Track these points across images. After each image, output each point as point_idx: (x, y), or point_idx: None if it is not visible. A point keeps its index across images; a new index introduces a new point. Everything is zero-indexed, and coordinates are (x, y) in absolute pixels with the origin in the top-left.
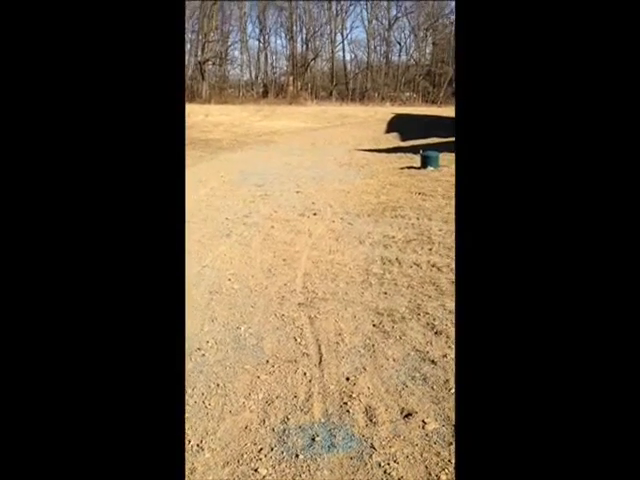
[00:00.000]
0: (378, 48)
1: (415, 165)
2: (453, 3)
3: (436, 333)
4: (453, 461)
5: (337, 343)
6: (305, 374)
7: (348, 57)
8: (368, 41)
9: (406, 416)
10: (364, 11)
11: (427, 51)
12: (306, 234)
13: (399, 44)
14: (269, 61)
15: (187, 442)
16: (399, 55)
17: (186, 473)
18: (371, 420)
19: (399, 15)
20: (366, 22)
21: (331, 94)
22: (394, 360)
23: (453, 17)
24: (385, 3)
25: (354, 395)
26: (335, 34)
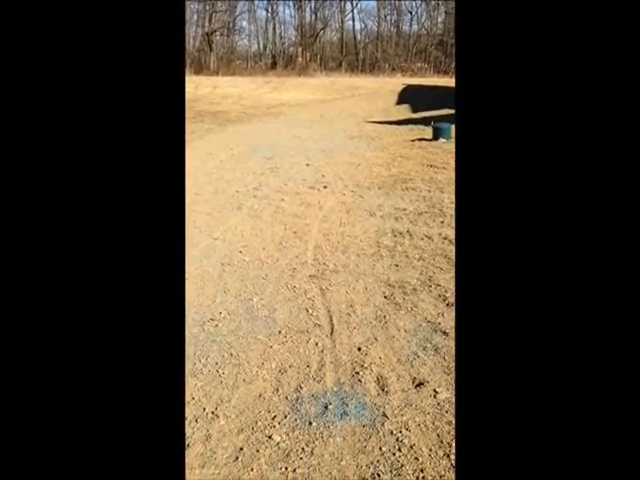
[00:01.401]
0: (389, 17)
1: (427, 137)
2: None
3: (448, 305)
4: None
5: (348, 314)
6: (317, 344)
7: (358, 27)
8: (378, 10)
9: (418, 385)
10: None
11: (439, 20)
12: (316, 207)
13: (410, 13)
14: (277, 31)
15: (202, 410)
16: (410, 24)
17: (201, 440)
18: (383, 389)
19: None
20: None
21: (340, 65)
22: (405, 331)
23: None
24: None
25: (366, 365)
26: (344, 3)
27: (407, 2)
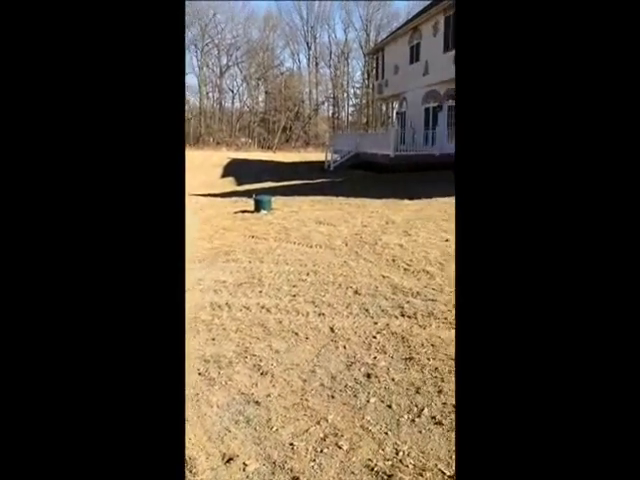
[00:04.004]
0: (211, 94)
1: (249, 209)
2: (283, 55)
3: (262, 374)
4: None
5: None
6: None
7: None
8: (200, 87)
9: (227, 461)
10: (194, 58)
11: (260, 99)
12: None
13: (232, 91)
14: None
15: None
16: (232, 102)
17: None
18: (191, 471)
19: (230, 64)
20: (197, 69)
21: None
22: (218, 407)
23: (284, 68)
24: (215, 51)
25: None
26: None
27: (228, 81)
